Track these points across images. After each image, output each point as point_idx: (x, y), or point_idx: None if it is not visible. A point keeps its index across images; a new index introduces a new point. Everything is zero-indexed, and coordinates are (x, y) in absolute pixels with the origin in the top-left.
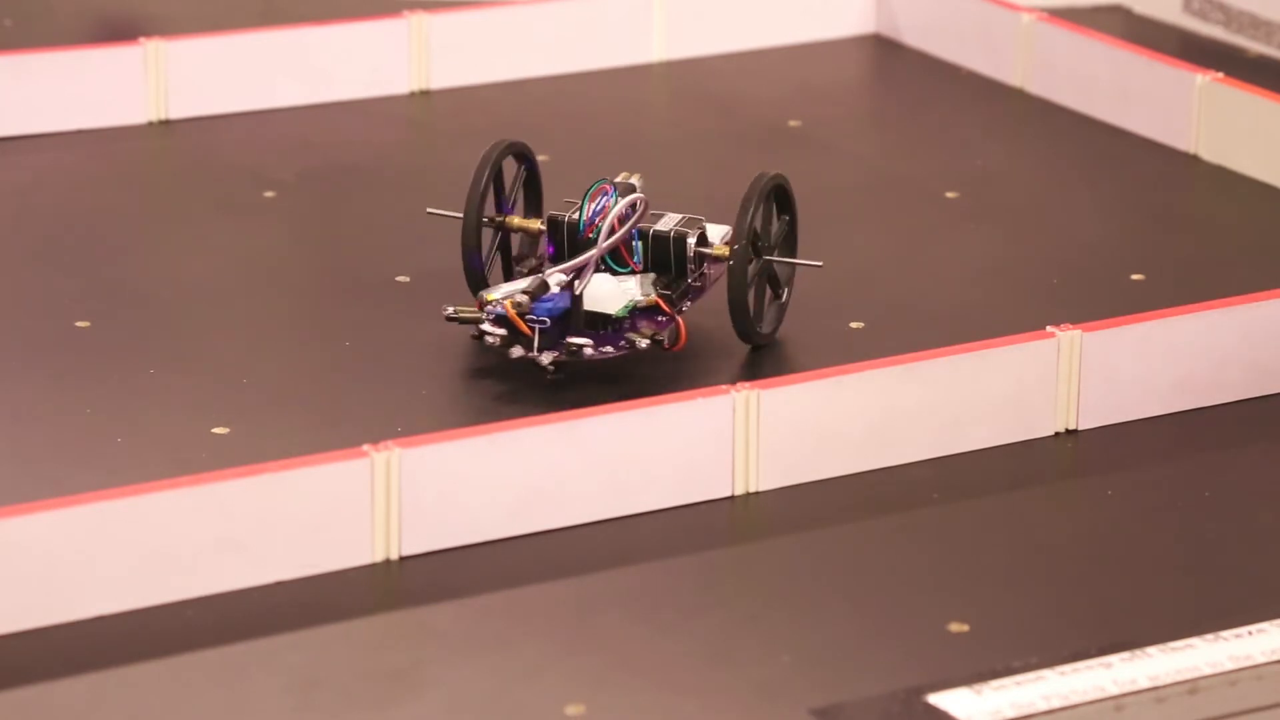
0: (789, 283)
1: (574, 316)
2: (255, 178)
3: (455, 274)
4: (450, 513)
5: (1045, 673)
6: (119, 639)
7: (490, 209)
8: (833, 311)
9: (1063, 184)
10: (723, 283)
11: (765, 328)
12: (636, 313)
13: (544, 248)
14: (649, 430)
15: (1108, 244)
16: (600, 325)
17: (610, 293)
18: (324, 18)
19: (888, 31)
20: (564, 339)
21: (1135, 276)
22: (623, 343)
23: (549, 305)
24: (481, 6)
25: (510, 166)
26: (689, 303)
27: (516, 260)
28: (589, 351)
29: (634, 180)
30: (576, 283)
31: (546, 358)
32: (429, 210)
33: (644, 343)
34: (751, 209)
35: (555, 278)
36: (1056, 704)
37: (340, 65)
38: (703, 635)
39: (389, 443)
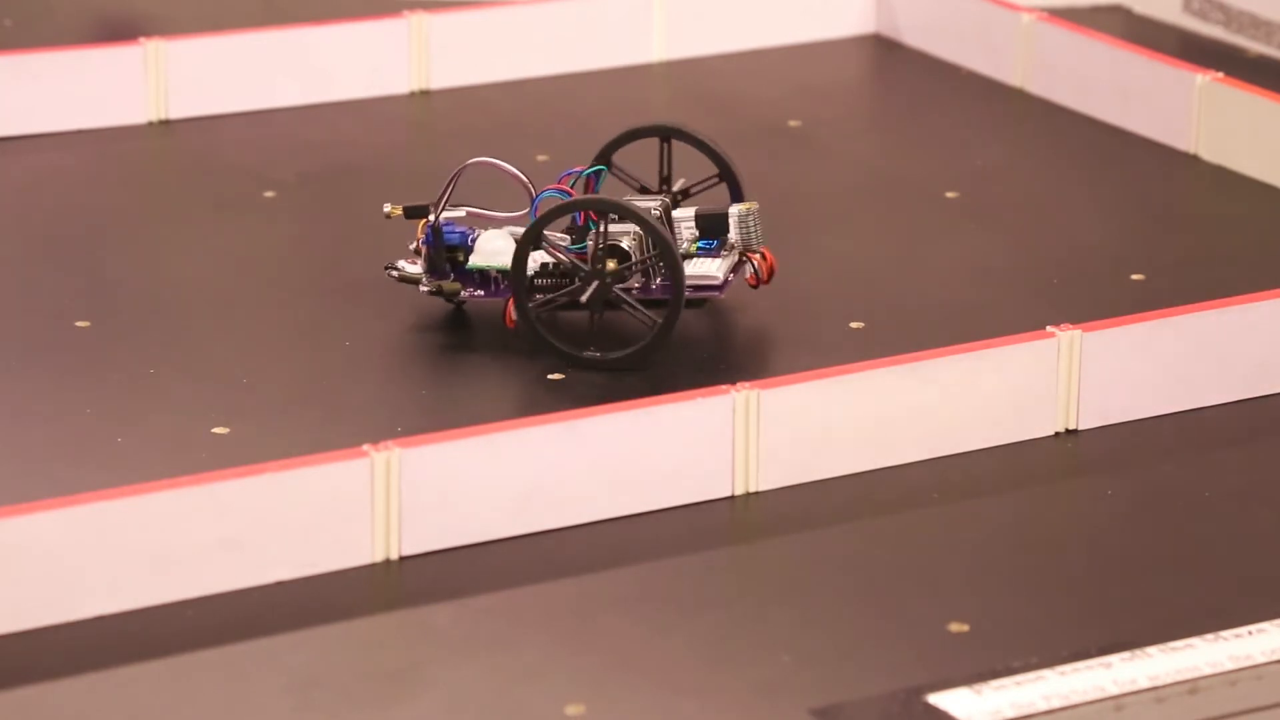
0: (668, 321)
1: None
2: (255, 178)
3: None
4: (450, 513)
5: (1045, 673)
6: (119, 639)
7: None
8: (833, 311)
9: (1063, 184)
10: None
11: (597, 350)
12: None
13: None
14: (649, 430)
15: (1108, 244)
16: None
17: (492, 250)
18: (324, 18)
19: (888, 31)
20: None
21: (1135, 276)
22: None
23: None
24: (481, 6)
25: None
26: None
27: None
28: (397, 272)
29: (737, 209)
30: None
31: (395, 272)
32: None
33: (425, 288)
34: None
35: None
36: (1056, 704)
37: (340, 65)
38: (703, 635)
39: (389, 443)
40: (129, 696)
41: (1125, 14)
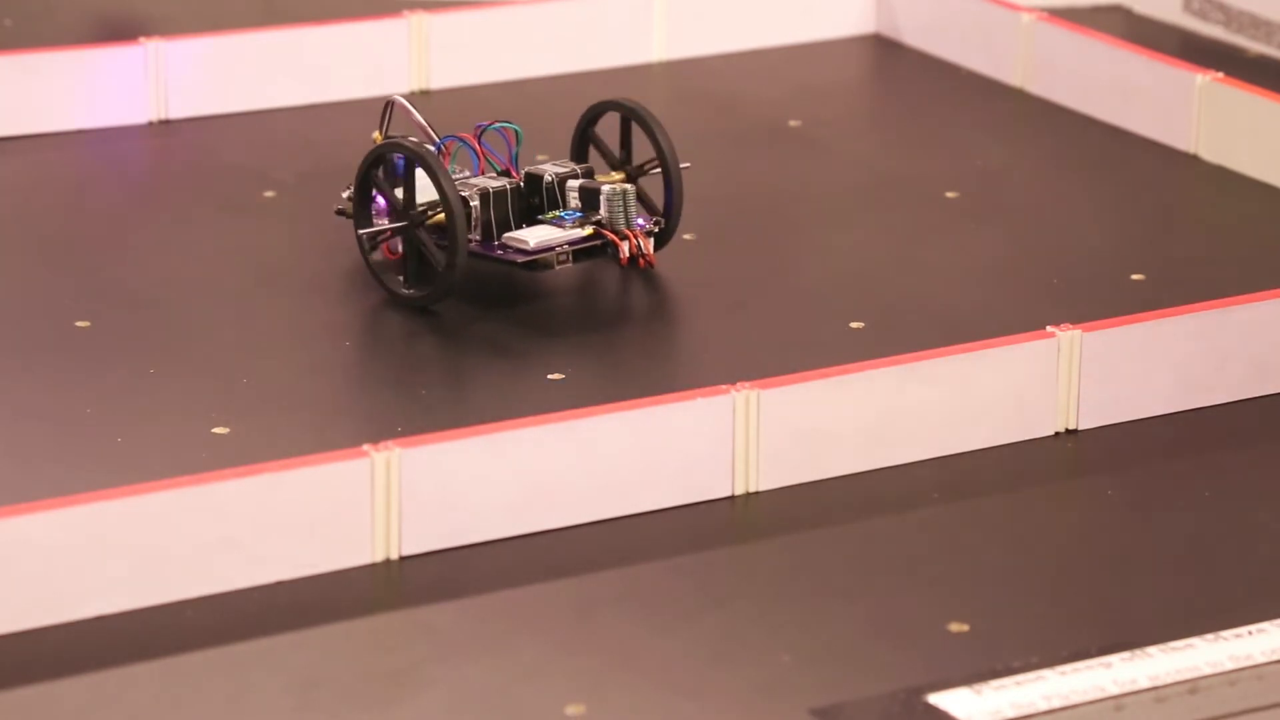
0: (447, 266)
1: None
2: (255, 178)
3: None
4: (450, 513)
5: (1045, 673)
6: (119, 639)
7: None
8: (833, 311)
9: (1063, 184)
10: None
11: (408, 288)
12: None
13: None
14: (649, 430)
15: (1108, 244)
16: None
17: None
18: (324, 18)
19: (888, 31)
20: None
21: (1135, 276)
22: None
23: None
24: (481, 6)
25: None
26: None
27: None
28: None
29: (607, 189)
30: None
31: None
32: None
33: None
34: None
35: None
36: (1056, 704)
37: (340, 65)
38: (703, 635)
39: (389, 443)
40: (129, 696)
41: (1125, 14)
